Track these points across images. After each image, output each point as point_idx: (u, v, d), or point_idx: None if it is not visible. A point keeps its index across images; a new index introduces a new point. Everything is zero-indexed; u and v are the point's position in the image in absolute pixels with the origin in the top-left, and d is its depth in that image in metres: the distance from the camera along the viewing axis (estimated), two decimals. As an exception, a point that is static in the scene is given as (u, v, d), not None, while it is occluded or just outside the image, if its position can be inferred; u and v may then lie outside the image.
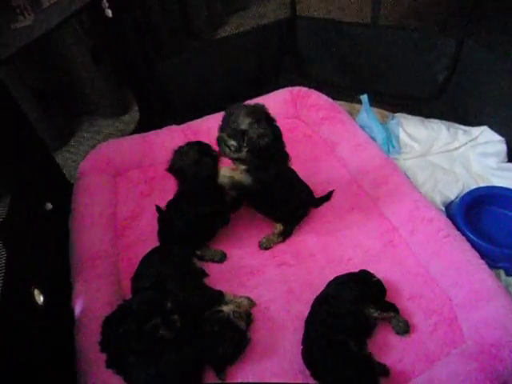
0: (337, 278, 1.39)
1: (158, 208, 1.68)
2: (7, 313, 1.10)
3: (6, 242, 1.25)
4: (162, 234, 1.62)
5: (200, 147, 1.49)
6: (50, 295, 1.37)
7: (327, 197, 1.74)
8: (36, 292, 1.31)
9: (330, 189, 1.77)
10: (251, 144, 1.35)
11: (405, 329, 1.30)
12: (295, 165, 1.88)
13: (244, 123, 1.35)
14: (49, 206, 1.63)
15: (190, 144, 1.51)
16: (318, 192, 1.76)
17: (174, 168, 1.49)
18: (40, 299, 1.31)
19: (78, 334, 1.35)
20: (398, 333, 1.30)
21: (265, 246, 1.60)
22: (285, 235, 1.61)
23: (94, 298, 1.43)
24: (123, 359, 1.21)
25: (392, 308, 1.33)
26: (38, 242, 1.50)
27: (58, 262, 1.58)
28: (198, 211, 1.51)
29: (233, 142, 1.37)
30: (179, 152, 1.48)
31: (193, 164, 1.44)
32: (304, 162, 1.92)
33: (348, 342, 1.20)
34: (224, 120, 1.40)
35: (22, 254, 1.33)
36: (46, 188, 1.68)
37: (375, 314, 1.29)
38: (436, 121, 2.04)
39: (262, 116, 1.38)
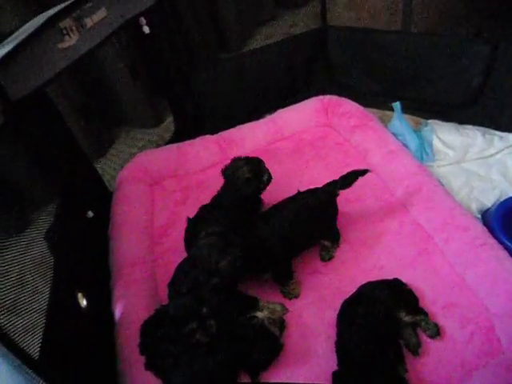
0: (369, 283, 1.40)
1: (189, 220, 1.69)
2: (56, 315, 1.17)
3: (53, 247, 1.33)
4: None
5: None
6: (92, 299, 1.44)
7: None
8: (79, 295, 1.38)
9: (362, 196, 1.78)
10: None
11: (435, 331, 1.30)
12: (326, 173, 1.91)
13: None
14: (90, 214, 1.71)
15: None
16: (350, 199, 1.77)
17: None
18: (83, 302, 1.38)
19: (118, 336, 1.40)
20: (430, 336, 1.29)
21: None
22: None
23: (132, 303, 1.48)
24: (161, 362, 1.25)
25: (422, 311, 1.33)
26: (80, 249, 1.58)
27: (99, 267, 1.65)
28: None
29: None
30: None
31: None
32: (336, 169, 1.93)
33: (387, 353, 1.20)
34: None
35: (67, 260, 1.40)
36: (88, 197, 1.77)
37: (406, 319, 1.29)
38: (471, 127, 2.00)
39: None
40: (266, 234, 1.43)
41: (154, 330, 1.31)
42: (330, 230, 1.60)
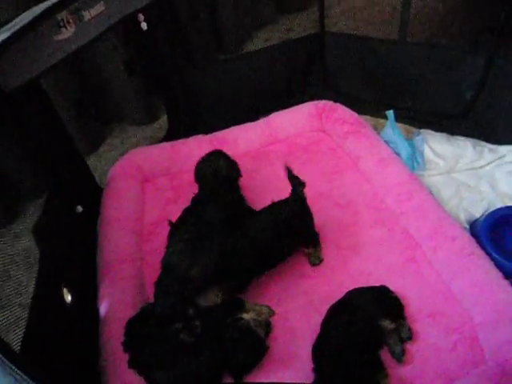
0: (356, 289, 1.41)
1: (171, 223, 1.62)
2: (39, 309, 1.16)
3: (39, 241, 1.32)
4: None
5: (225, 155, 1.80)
6: (77, 295, 1.42)
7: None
8: (65, 291, 1.36)
9: (353, 202, 1.79)
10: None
11: (408, 335, 1.32)
12: (318, 178, 1.92)
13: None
14: (79, 208, 1.69)
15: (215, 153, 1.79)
16: (341, 204, 1.79)
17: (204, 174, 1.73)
18: (68, 298, 1.37)
19: (103, 333, 1.39)
20: (402, 338, 1.31)
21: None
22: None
23: (118, 300, 1.47)
24: (145, 360, 1.24)
25: (402, 316, 1.36)
26: (67, 243, 1.57)
27: (86, 263, 1.63)
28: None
29: None
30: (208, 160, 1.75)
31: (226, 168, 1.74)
32: (327, 175, 1.94)
33: (362, 361, 1.20)
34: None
35: (53, 254, 1.39)
36: (78, 191, 1.75)
37: (391, 326, 1.30)
38: (462, 138, 2.02)
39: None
40: (242, 245, 1.42)
41: (139, 329, 1.30)
42: (308, 236, 1.58)
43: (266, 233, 1.45)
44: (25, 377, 0.71)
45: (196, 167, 1.79)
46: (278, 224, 1.47)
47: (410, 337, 1.32)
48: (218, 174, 1.72)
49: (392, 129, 2.06)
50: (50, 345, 1.22)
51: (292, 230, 1.49)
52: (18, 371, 0.71)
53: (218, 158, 1.78)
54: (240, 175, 1.80)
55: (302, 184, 1.53)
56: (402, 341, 1.31)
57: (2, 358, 0.72)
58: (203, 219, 1.58)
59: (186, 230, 1.52)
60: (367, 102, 2.37)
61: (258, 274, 1.49)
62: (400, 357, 1.27)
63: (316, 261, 1.58)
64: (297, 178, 1.53)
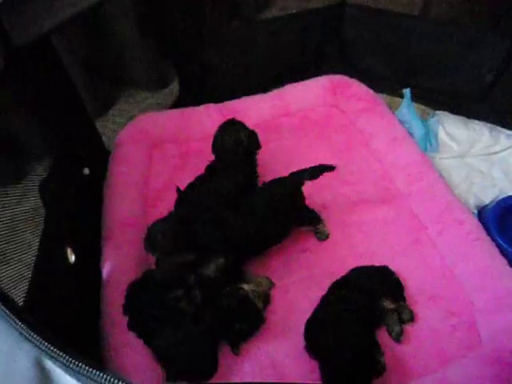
0: (358, 268, 1.41)
1: (179, 190, 1.61)
2: (43, 268, 1.17)
3: (45, 200, 1.32)
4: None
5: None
6: (81, 256, 1.44)
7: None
8: (69, 251, 1.37)
9: (362, 180, 1.77)
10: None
11: (410, 317, 1.32)
12: (328, 154, 1.89)
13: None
14: (86, 171, 1.69)
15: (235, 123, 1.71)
16: (349, 181, 1.77)
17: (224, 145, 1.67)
18: (72, 258, 1.38)
19: (104, 295, 1.40)
20: (403, 321, 1.31)
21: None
22: None
23: (121, 263, 1.48)
24: (144, 324, 1.26)
25: (402, 297, 1.36)
26: (73, 205, 1.57)
27: (90, 225, 1.64)
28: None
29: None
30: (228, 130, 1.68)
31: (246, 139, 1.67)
32: (338, 151, 1.92)
33: (357, 337, 1.21)
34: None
35: (58, 214, 1.39)
36: (86, 153, 1.74)
37: (392, 306, 1.31)
38: (478, 122, 1.98)
39: None
40: (237, 226, 1.40)
41: (140, 293, 1.32)
42: (303, 216, 1.56)
43: (260, 212, 1.43)
44: (28, 330, 0.71)
45: (215, 136, 1.71)
46: (273, 202, 1.45)
47: (411, 319, 1.32)
48: (239, 146, 1.66)
49: (407, 108, 2.02)
50: (51, 303, 1.24)
51: (285, 210, 1.47)
52: (21, 324, 0.72)
53: (239, 128, 1.70)
54: (260, 147, 1.72)
55: (312, 176, 1.50)
56: (403, 322, 1.31)
57: (6, 311, 0.73)
58: (216, 190, 1.56)
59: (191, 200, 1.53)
60: (384, 78, 2.31)
61: (254, 253, 1.49)
62: (398, 336, 1.28)
63: (322, 237, 1.58)
64: (319, 173, 1.50)
